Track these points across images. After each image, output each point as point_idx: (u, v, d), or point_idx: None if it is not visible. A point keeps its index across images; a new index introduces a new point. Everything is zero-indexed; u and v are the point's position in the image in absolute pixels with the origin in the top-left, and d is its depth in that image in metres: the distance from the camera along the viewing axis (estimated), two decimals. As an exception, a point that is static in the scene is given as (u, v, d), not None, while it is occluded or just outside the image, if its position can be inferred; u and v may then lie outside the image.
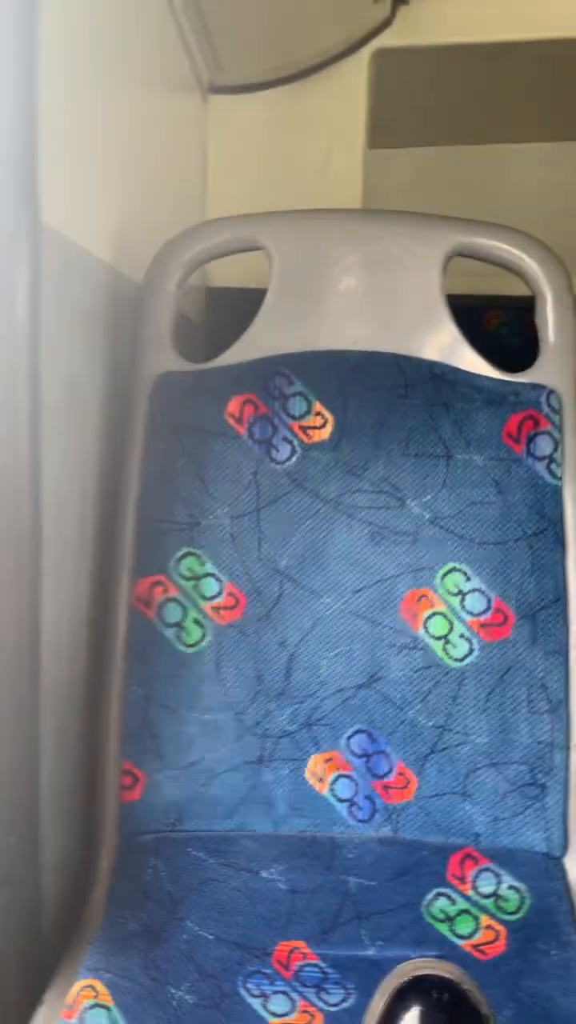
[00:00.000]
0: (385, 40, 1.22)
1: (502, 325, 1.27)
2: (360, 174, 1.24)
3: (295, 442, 0.83)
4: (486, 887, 0.76)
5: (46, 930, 0.74)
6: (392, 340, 0.84)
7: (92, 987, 0.64)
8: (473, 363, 0.84)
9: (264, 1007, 0.67)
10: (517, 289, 0.89)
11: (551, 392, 0.82)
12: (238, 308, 0.90)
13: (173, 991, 0.66)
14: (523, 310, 0.87)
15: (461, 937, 0.74)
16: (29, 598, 0.69)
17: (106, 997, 0.63)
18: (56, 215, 0.70)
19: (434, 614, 0.80)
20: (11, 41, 0.63)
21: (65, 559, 0.80)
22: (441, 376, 0.83)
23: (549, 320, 0.83)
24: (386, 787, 0.79)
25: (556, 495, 0.82)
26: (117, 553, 0.83)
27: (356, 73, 1.23)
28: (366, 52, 1.23)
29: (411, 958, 0.70)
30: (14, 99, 0.64)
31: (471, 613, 0.80)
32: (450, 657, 0.80)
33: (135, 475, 0.84)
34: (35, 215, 0.67)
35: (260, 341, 0.85)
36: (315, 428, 0.83)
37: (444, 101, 1.39)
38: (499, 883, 0.76)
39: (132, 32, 0.93)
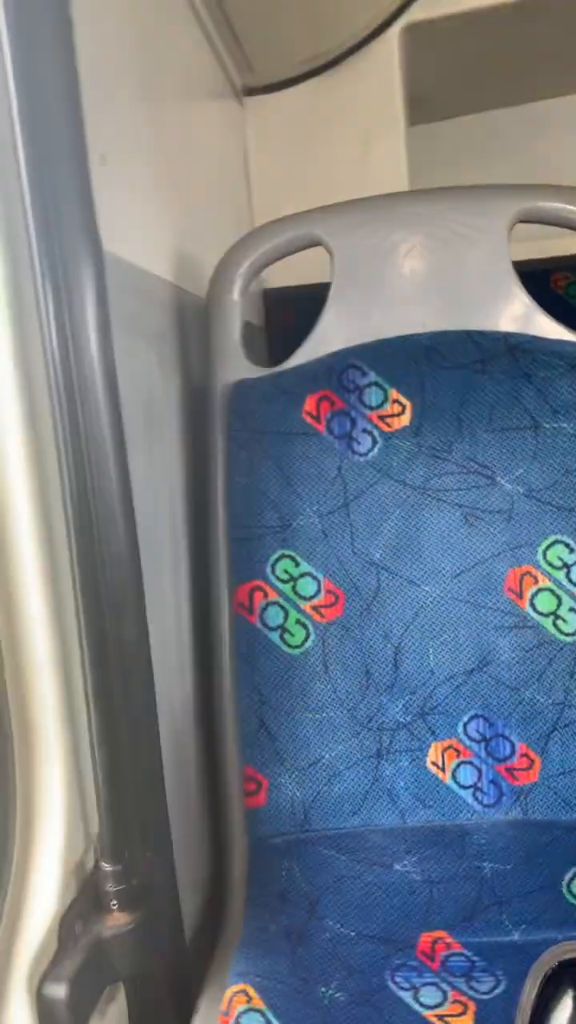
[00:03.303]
0: (413, 14, 1.20)
1: (571, 285, 1.23)
2: (403, 153, 1.22)
3: (375, 432, 0.82)
4: (626, 862, 0.74)
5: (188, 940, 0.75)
6: (462, 317, 0.83)
7: (244, 992, 0.65)
8: (550, 329, 0.82)
9: (415, 999, 0.67)
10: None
11: None
12: (298, 307, 0.90)
13: (323, 990, 0.67)
14: None
15: (607, 915, 0.72)
16: (134, 619, 0.71)
17: (259, 1001, 0.64)
18: (114, 239, 0.71)
19: (540, 590, 0.79)
20: (54, 73, 0.64)
21: (163, 575, 0.81)
22: (518, 346, 0.81)
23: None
24: (510, 769, 0.78)
25: None
26: (213, 563, 0.84)
27: (387, 52, 1.21)
28: (395, 29, 1.21)
29: (557, 940, 0.69)
30: (64, 130, 0.65)
31: None
32: (562, 632, 0.78)
33: (221, 484, 0.85)
34: (97, 242, 0.68)
35: (328, 337, 0.85)
36: (394, 416, 0.82)
37: (479, 66, 1.35)
38: None
39: (164, 50, 0.93)
